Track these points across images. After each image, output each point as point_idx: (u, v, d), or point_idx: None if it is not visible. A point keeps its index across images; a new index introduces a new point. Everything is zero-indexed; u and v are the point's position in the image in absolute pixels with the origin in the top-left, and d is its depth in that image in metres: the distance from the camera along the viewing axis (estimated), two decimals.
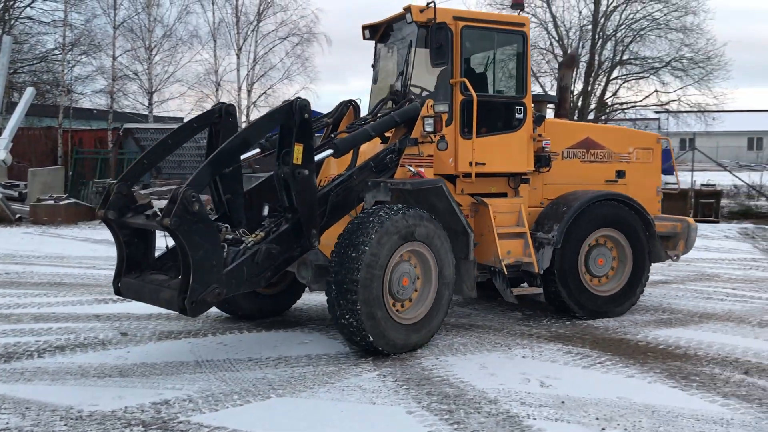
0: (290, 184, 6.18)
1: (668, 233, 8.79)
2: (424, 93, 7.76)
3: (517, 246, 7.59)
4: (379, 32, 8.34)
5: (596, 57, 26.77)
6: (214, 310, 7.52)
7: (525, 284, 8.33)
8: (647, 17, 27.42)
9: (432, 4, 7.23)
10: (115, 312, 8.13)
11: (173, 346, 6.86)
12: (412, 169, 7.07)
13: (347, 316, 6.21)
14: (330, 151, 6.81)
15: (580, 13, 28.55)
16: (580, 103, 27.87)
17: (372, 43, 8.54)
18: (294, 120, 6.16)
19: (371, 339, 6.26)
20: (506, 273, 7.36)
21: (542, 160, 8.01)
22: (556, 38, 28.51)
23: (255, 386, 5.62)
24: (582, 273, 7.94)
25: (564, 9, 29.36)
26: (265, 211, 6.96)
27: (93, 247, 13.80)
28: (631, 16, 27.81)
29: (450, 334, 7.26)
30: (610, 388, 5.59)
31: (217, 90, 31.21)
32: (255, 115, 32.02)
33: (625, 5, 27.79)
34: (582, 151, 8.55)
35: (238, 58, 30.28)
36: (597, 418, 4.98)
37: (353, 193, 6.85)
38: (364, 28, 8.43)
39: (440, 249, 6.73)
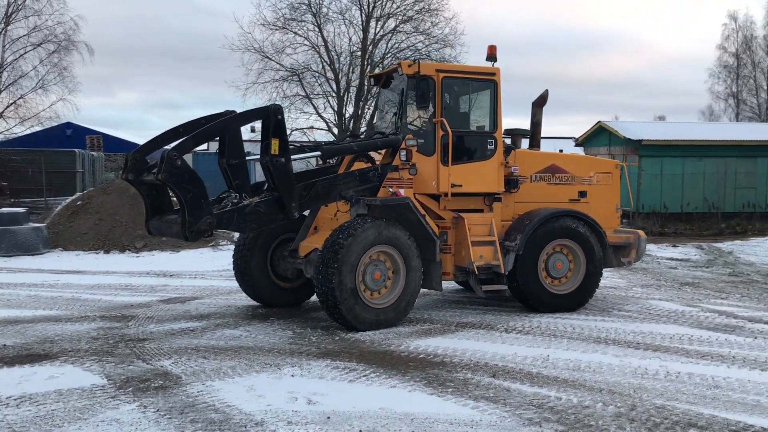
0: (270, 169, 8.04)
1: (622, 243, 10.29)
2: (415, 129, 9.38)
3: (488, 251, 9.16)
4: (381, 80, 10.21)
5: (365, 82, 27.97)
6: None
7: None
8: (411, 47, 29.37)
9: (418, 61, 9.18)
10: None
11: None
12: (391, 190, 8.93)
13: (329, 303, 8.10)
14: (318, 153, 8.95)
15: (350, 39, 29.78)
16: (351, 126, 28.89)
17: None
18: (270, 120, 7.97)
19: (348, 319, 8.16)
20: (477, 273, 9.02)
21: (511, 182, 9.71)
22: (328, 62, 29.38)
23: None
24: (541, 275, 9.49)
25: (335, 35, 30.28)
26: (265, 187, 8.70)
27: None
28: (396, 45, 29.64)
29: (218, 357, 7.07)
30: (374, 400, 5.79)
31: None
32: (2, 126, 28.98)
33: (391, 35, 29.53)
34: (548, 175, 10.12)
35: None
36: (360, 431, 5.12)
37: (336, 189, 8.78)
38: (370, 77, 10.62)
39: (407, 251, 8.51)
